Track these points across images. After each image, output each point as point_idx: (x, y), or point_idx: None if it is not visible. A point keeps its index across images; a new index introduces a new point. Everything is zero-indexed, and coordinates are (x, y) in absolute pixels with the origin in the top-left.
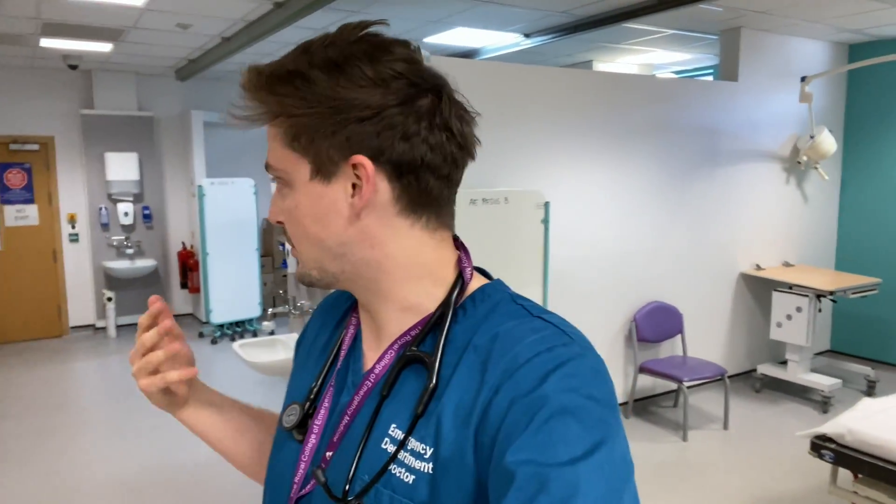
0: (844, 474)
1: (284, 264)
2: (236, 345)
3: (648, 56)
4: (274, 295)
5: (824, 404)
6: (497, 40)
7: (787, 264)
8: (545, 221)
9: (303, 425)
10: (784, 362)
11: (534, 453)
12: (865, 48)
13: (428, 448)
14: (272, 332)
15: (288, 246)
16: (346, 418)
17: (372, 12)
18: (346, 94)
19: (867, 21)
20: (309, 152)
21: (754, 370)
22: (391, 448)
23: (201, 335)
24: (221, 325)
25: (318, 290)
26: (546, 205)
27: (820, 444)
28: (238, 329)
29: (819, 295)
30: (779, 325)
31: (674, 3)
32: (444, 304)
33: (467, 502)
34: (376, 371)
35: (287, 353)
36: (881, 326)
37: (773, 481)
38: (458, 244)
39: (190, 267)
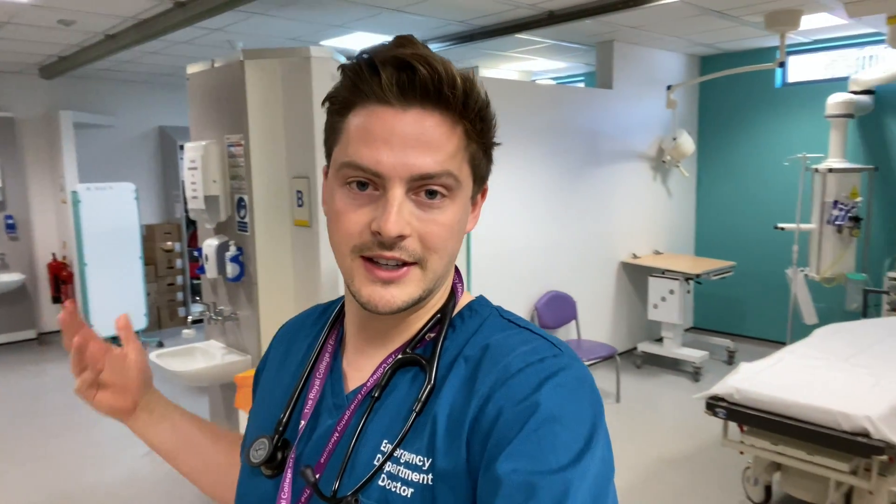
0: (733, 427)
1: (202, 269)
2: (153, 355)
3: (529, 63)
4: (159, 306)
5: (695, 374)
6: None
7: (657, 252)
8: None
9: (271, 460)
10: (660, 339)
11: (523, 461)
12: (715, 60)
13: (425, 459)
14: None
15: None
16: (336, 435)
17: (274, 14)
18: (493, 122)
19: (716, 37)
20: (478, 172)
21: (635, 348)
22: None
23: None
24: (104, 340)
25: (241, 294)
26: None
27: (713, 404)
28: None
29: (687, 278)
30: (655, 306)
31: (560, 19)
32: (441, 315)
33: None
34: (369, 384)
35: (207, 360)
36: (736, 304)
37: (667, 444)
38: None
39: (63, 279)
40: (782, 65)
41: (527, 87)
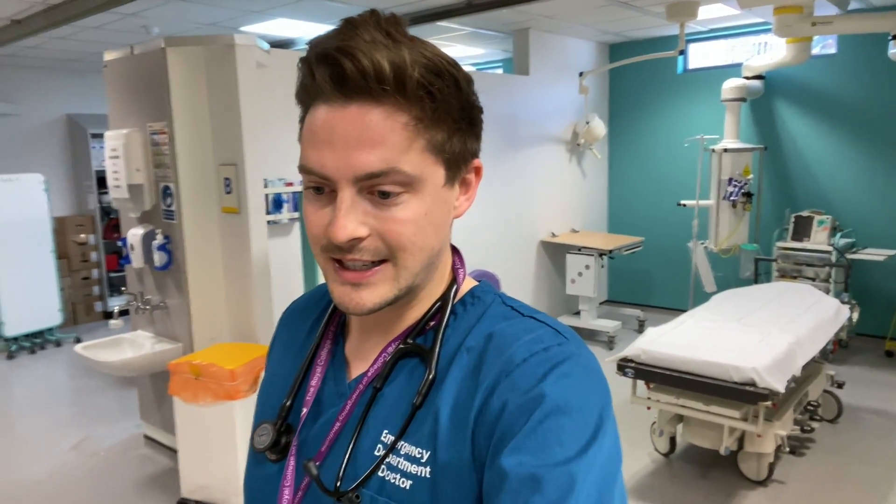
0: (641, 386)
1: (127, 259)
2: (78, 347)
3: (449, 50)
4: (74, 301)
5: (610, 343)
6: (315, 31)
7: (574, 231)
8: None
9: (276, 445)
10: (578, 312)
11: (529, 454)
12: (622, 48)
13: (424, 452)
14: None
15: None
16: (338, 424)
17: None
18: (471, 97)
19: (624, 26)
20: (451, 157)
21: None
22: (383, 452)
23: None
24: (16, 338)
25: (170, 282)
26: None
27: (623, 365)
28: (37, 340)
29: (601, 254)
30: (572, 281)
31: (479, 7)
32: (442, 303)
33: None
34: (369, 374)
35: (136, 350)
36: (645, 277)
37: None
38: (451, 245)
39: None
40: (682, 52)
41: None
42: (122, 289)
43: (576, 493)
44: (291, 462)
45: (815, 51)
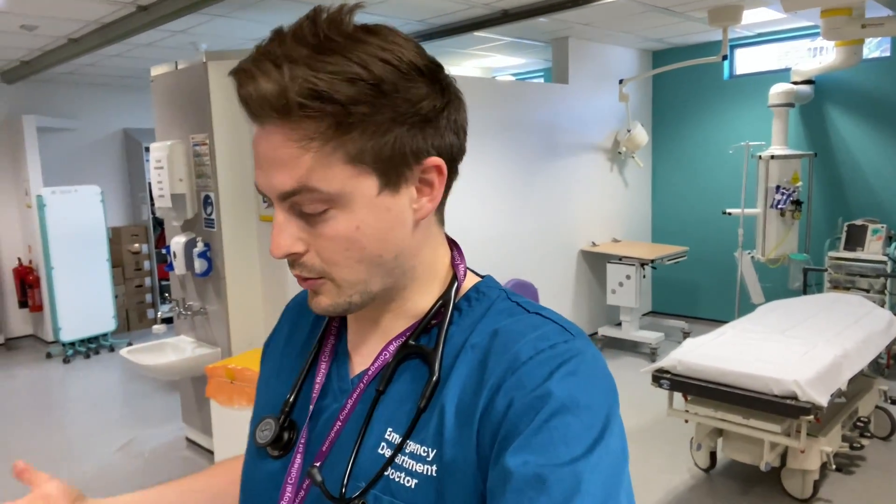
0: (678, 399)
1: (171, 266)
2: (124, 351)
3: (488, 60)
4: (127, 308)
5: (652, 355)
6: None
7: (615, 240)
8: None
9: (277, 440)
10: (619, 323)
11: (534, 454)
12: (665, 55)
13: (430, 450)
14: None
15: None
16: (338, 424)
17: (236, 16)
18: (410, 92)
19: (666, 32)
20: (379, 164)
21: (596, 333)
22: (388, 453)
23: (49, 356)
24: (73, 343)
25: (210, 289)
26: None
27: (659, 376)
28: (92, 346)
29: (643, 263)
30: (613, 291)
31: (514, 17)
32: (443, 302)
33: (475, 503)
34: (370, 372)
35: (178, 354)
36: (690, 287)
37: (623, 418)
38: (450, 240)
39: (30, 284)
40: (725, 58)
41: (486, 83)
42: (166, 295)
43: (582, 493)
44: (298, 460)
45: (872, 54)
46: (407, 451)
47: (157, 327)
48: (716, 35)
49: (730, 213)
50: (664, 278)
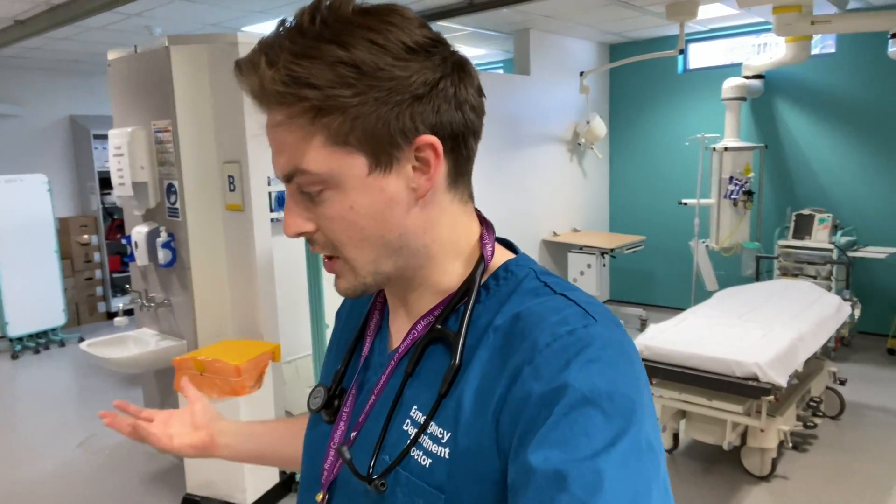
0: None
1: (132, 257)
2: (84, 345)
3: None
4: (77, 301)
5: None
6: None
7: (575, 230)
8: None
9: (328, 406)
10: None
11: (554, 449)
12: (622, 48)
13: (446, 433)
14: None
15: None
16: (373, 398)
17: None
18: (397, 71)
19: (624, 26)
20: (366, 144)
21: None
22: (412, 430)
23: None
24: (21, 338)
25: (174, 280)
26: None
27: None
28: (41, 340)
29: (603, 253)
30: (574, 280)
31: (480, 7)
32: (468, 282)
33: (487, 489)
34: (400, 350)
35: (141, 347)
36: (647, 275)
37: None
38: (481, 217)
39: None
40: (682, 52)
41: None
42: (127, 287)
43: (605, 490)
44: (341, 426)
45: (815, 50)
46: (427, 431)
47: (118, 320)
48: (671, 30)
49: (685, 204)
50: (621, 267)
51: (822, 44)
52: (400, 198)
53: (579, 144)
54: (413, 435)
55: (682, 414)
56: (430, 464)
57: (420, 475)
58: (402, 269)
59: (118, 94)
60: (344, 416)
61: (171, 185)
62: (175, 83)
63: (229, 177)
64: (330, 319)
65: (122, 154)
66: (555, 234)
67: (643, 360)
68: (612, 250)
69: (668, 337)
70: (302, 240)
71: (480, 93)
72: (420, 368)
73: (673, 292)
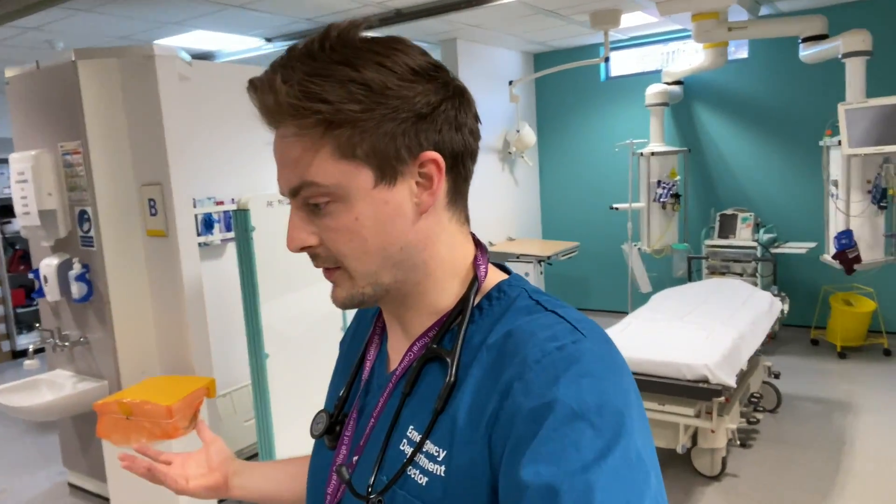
0: None
1: (40, 293)
2: None
3: None
4: None
5: None
6: (237, 44)
7: (510, 238)
8: None
9: (330, 432)
10: None
11: (544, 463)
12: (547, 57)
13: (441, 451)
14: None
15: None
16: (372, 420)
17: (101, 11)
18: (404, 91)
19: (548, 35)
20: (372, 158)
21: None
22: (408, 450)
23: None
24: None
25: (91, 315)
26: None
27: None
28: None
29: (539, 260)
30: None
31: (410, 17)
32: (463, 301)
33: None
34: (398, 372)
35: (56, 391)
36: (582, 281)
37: None
38: (476, 240)
39: None
40: (607, 60)
41: None
42: (37, 325)
43: (597, 500)
44: (343, 451)
45: (729, 56)
46: (424, 449)
47: (28, 362)
48: (593, 38)
49: (616, 208)
50: (557, 273)
51: (735, 49)
52: (403, 211)
53: (510, 153)
54: (409, 454)
55: None
56: (426, 482)
57: (417, 494)
58: (401, 283)
59: (19, 115)
60: (346, 441)
61: (83, 212)
62: (84, 101)
63: (150, 200)
64: (270, 347)
65: (26, 180)
66: (490, 244)
67: None
68: (548, 257)
69: (617, 344)
70: (234, 263)
71: (477, 119)
72: (417, 389)
73: (609, 296)
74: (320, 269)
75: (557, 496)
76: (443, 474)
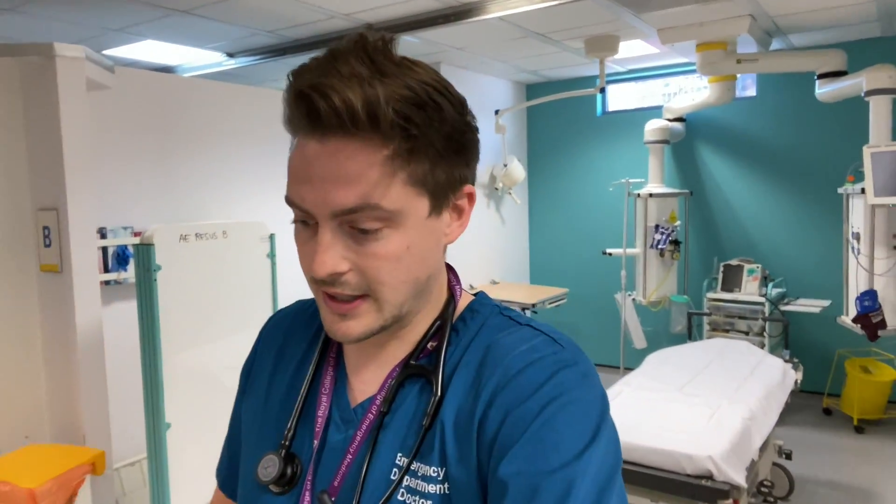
0: None
1: None
2: None
3: None
4: None
5: None
6: (196, 58)
7: (494, 282)
8: (271, 255)
9: (282, 476)
10: None
11: (525, 463)
12: (540, 88)
13: (439, 470)
14: None
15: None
16: (349, 457)
17: (28, 12)
18: (459, 123)
19: (541, 63)
20: (432, 187)
21: None
22: (397, 477)
23: None
24: None
25: None
26: (272, 237)
27: None
28: None
29: (524, 308)
30: None
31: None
32: (441, 323)
33: None
34: (377, 400)
35: None
36: (571, 330)
37: None
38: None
39: None
40: (602, 90)
41: None
42: None
43: (573, 496)
44: (307, 497)
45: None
46: (419, 473)
47: None
48: (589, 69)
49: (610, 254)
50: (544, 321)
51: (742, 86)
52: (439, 241)
53: (497, 189)
54: (398, 478)
55: None
56: None
57: None
58: (410, 312)
59: None
60: (308, 486)
61: None
62: None
63: (44, 228)
64: (171, 415)
65: None
66: (472, 287)
67: None
68: (533, 305)
69: None
70: (155, 304)
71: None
72: (396, 414)
73: (600, 349)
74: (235, 320)
75: (537, 493)
76: (447, 491)
